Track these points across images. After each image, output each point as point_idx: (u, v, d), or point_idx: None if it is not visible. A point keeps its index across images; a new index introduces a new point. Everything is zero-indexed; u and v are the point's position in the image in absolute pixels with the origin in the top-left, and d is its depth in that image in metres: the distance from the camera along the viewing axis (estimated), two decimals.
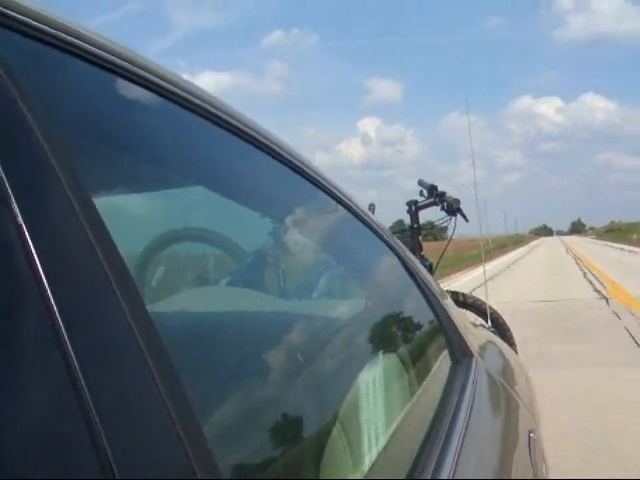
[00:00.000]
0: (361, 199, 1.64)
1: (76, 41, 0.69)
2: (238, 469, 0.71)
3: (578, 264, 28.46)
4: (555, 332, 9.20)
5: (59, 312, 0.44)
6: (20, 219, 0.45)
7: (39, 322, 0.44)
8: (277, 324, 1.14)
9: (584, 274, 21.55)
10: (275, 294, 1.42)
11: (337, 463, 0.97)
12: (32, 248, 0.45)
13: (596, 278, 19.23)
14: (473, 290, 9.65)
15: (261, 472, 0.76)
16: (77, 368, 0.44)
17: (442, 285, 2.22)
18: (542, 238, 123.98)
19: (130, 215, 1.00)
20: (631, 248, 42.30)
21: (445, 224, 4.23)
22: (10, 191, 0.46)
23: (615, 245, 52.85)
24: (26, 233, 0.45)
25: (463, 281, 17.85)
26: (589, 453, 4.29)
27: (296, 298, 1.45)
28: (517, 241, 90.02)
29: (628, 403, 5.38)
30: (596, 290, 15.43)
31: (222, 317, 1.10)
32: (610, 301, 12.65)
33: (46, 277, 0.45)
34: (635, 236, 64.97)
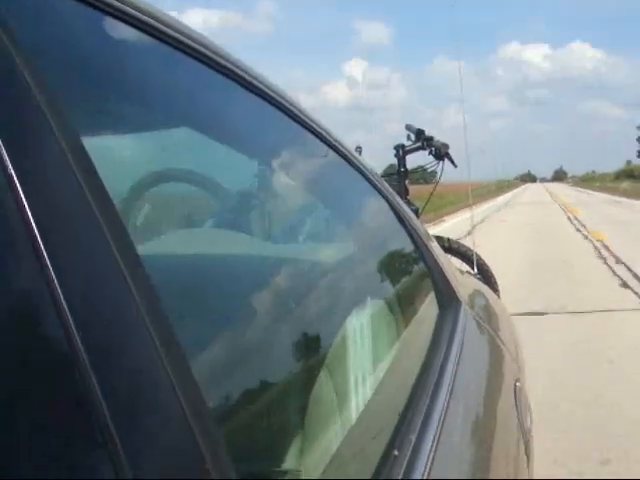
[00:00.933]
0: (348, 140, 1.62)
1: None
2: (223, 410, 0.71)
3: (552, 197, 51.13)
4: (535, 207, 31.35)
5: (49, 256, 0.43)
6: (8, 161, 0.44)
7: (28, 262, 0.43)
8: (262, 267, 1.13)
9: (552, 199, 45.61)
10: (261, 237, 1.41)
11: (324, 409, 0.97)
12: (20, 189, 0.44)
13: (559, 200, 42.62)
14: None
15: (244, 416, 0.76)
16: (68, 315, 0.42)
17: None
18: (527, 184, 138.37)
19: (114, 156, 0.98)
20: (588, 191, 66.77)
21: (433, 168, 4.22)
22: None
23: (580, 189, 78.12)
24: (14, 174, 0.44)
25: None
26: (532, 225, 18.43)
27: (282, 241, 1.44)
28: (503, 187, 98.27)
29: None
30: (554, 201, 39.73)
31: (207, 260, 1.08)
32: (559, 204, 35.58)
33: (35, 220, 0.44)
34: (597, 184, 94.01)
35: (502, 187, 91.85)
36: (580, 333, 6.16)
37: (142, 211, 1.22)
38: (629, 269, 9.78)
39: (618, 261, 10.78)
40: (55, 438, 0.40)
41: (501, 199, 49.53)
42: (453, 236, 4.54)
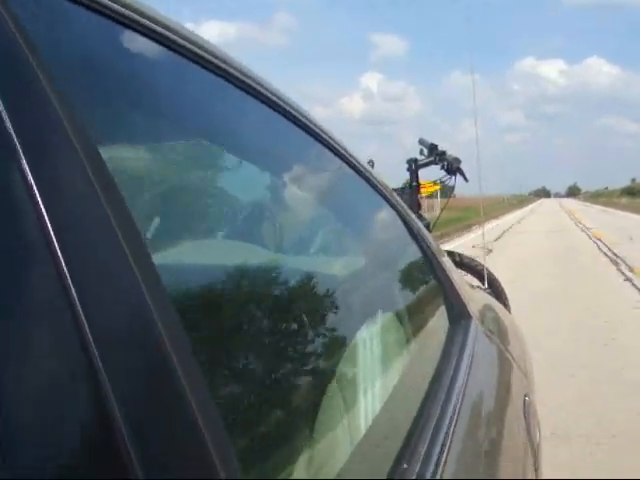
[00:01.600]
0: (361, 153, 1.63)
1: None
2: (232, 419, 0.71)
3: (561, 207, 66.08)
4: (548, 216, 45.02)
5: (66, 266, 0.44)
6: (28, 171, 0.45)
7: (46, 273, 0.44)
8: (274, 279, 1.13)
9: (561, 208, 59.12)
10: (273, 248, 1.41)
11: (334, 421, 0.97)
12: (39, 199, 0.45)
13: (571, 214, 46.63)
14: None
15: (253, 426, 0.76)
16: (84, 321, 0.43)
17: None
18: (542, 199, 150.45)
19: (128, 167, 0.98)
20: (591, 204, 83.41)
21: (445, 182, 4.21)
22: (17, 142, 0.46)
23: (587, 204, 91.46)
24: (33, 184, 0.45)
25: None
26: (549, 217, 41.52)
27: (294, 253, 1.44)
28: (519, 201, 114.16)
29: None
30: (562, 209, 58.03)
31: (218, 270, 1.09)
32: (565, 211, 53.38)
33: (54, 230, 0.44)
34: (603, 199, 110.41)
35: (522, 201, 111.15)
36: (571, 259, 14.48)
37: (154, 221, 1.22)
38: (587, 229, 24.41)
39: (584, 228, 25.83)
40: (69, 439, 0.41)
41: (527, 208, 72.12)
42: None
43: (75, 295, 0.43)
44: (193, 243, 1.18)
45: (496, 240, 20.15)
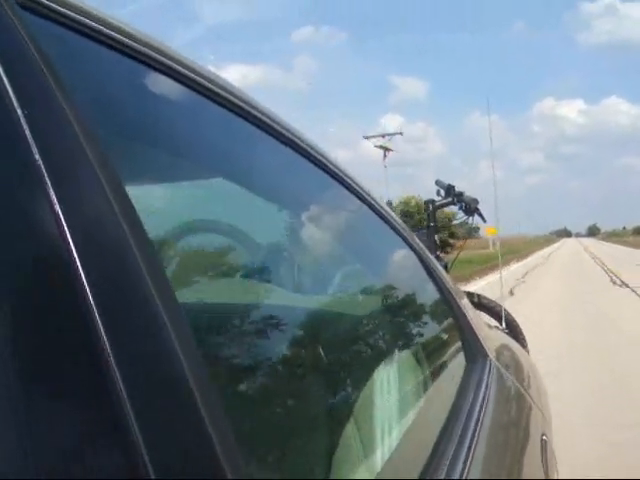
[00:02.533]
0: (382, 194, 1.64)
1: (106, 30, 0.69)
2: (252, 463, 0.71)
3: (581, 245, 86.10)
4: (571, 247, 76.81)
5: (93, 298, 0.45)
6: (57, 206, 0.47)
7: (73, 304, 0.45)
8: (291, 319, 1.13)
9: (585, 249, 68.50)
10: (291, 289, 1.41)
11: (350, 460, 0.96)
12: (68, 233, 0.46)
13: (589, 250, 63.05)
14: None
15: (272, 468, 0.75)
16: (111, 356, 0.44)
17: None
18: (564, 239, 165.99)
19: (149, 205, 0.99)
20: (605, 242, 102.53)
21: (463, 221, 4.22)
22: (47, 179, 0.47)
23: (602, 242, 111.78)
24: (62, 219, 0.46)
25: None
26: (571, 247, 78.30)
27: (312, 293, 1.44)
28: (546, 240, 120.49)
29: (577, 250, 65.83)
30: (585, 251, 63.75)
31: (236, 310, 1.09)
32: (583, 246, 79.43)
33: (81, 264, 0.46)
34: (615, 238, 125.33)
35: (547, 240, 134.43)
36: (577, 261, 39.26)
37: (173, 261, 1.23)
38: (591, 252, 53.93)
39: (590, 252, 55.09)
40: (79, 432, 0.42)
41: (556, 245, 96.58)
42: None
43: (95, 310, 0.45)
44: (210, 281, 1.18)
45: (550, 254, 54.77)
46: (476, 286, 15.27)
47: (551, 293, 16.75)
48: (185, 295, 1.01)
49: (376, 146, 45.97)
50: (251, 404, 0.80)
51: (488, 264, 25.52)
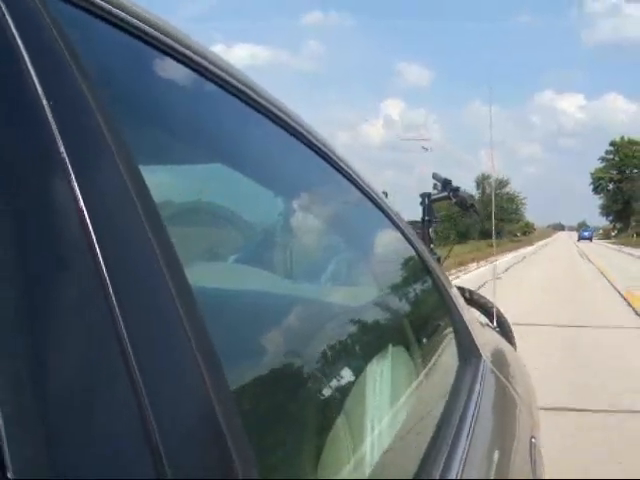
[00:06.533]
0: (380, 179, 1.63)
1: (115, 10, 0.67)
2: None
3: (571, 239, 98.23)
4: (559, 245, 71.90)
5: (108, 276, 0.46)
6: (77, 190, 0.48)
7: (89, 285, 0.46)
8: (281, 307, 1.11)
9: (572, 240, 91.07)
10: (282, 275, 1.39)
11: (340, 456, 0.94)
12: (86, 216, 0.47)
13: (573, 238, 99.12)
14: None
15: (259, 465, 0.74)
16: (126, 338, 0.45)
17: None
18: (559, 232, 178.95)
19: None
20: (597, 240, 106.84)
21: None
22: (70, 168, 0.48)
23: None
24: (81, 201, 0.47)
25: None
26: (558, 254, 46.92)
27: (304, 281, 1.42)
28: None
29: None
30: (571, 239, 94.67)
31: (226, 294, 1.07)
32: (573, 240, 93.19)
33: (99, 244, 0.47)
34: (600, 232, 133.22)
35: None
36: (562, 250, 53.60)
37: (180, 243, 1.21)
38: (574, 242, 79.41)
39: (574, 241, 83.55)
40: (101, 435, 0.43)
41: (552, 237, 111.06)
42: None
43: (115, 305, 0.46)
44: (203, 265, 1.17)
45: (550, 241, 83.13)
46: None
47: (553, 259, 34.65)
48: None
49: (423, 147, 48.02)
50: (236, 394, 0.78)
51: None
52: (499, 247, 39.77)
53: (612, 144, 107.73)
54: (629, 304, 12.32)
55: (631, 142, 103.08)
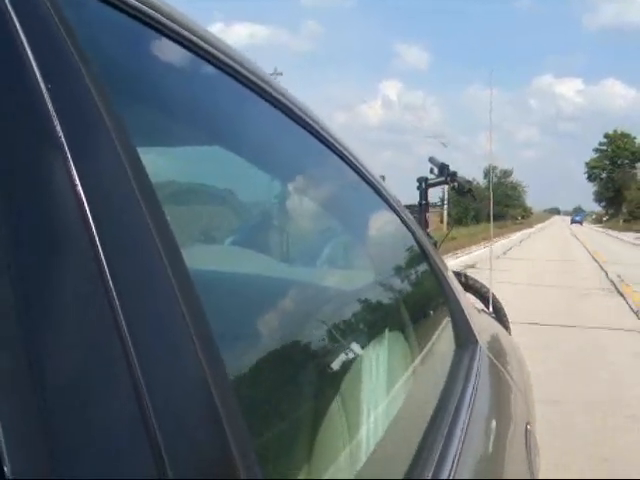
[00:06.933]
0: (378, 160, 1.63)
1: None
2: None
3: (565, 222, 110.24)
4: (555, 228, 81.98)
5: (105, 258, 0.46)
6: (74, 172, 0.47)
7: (85, 266, 0.46)
8: (278, 289, 1.10)
9: (562, 221, 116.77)
10: (279, 258, 1.39)
11: (337, 444, 0.94)
12: (84, 198, 0.47)
13: (566, 222, 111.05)
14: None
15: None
16: (122, 321, 0.45)
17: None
18: (555, 216, 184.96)
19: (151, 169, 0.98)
20: (586, 224, 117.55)
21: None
22: (68, 152, 0.48)
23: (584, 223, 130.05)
24: (79, 183, 0.47)
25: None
26: (552, 235, 55.72)
27: (301, 264, 1.42)
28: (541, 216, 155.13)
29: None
30: (565, 223, 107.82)
31: (223, 277, 1.07)
32: (566, 223, 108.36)
33: (95, 224, 0.47)
34: (593, 217, 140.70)
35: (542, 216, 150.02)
36: (558, 231, 66.88)
37: (177, 225, 1.20)
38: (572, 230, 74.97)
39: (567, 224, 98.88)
40: (102, 432, 0.42)
41: (549, 221, 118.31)
42: None
43: (112, 288, 0.45)
44: (199, 247, 1.16)
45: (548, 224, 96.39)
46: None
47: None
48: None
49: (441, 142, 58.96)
50: (231, 375, 0.77)
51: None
52: (506, 228, 56.77)
53: (606, 136, 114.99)
54: (593, 258, 23.60)
55: (623, 135, 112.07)
